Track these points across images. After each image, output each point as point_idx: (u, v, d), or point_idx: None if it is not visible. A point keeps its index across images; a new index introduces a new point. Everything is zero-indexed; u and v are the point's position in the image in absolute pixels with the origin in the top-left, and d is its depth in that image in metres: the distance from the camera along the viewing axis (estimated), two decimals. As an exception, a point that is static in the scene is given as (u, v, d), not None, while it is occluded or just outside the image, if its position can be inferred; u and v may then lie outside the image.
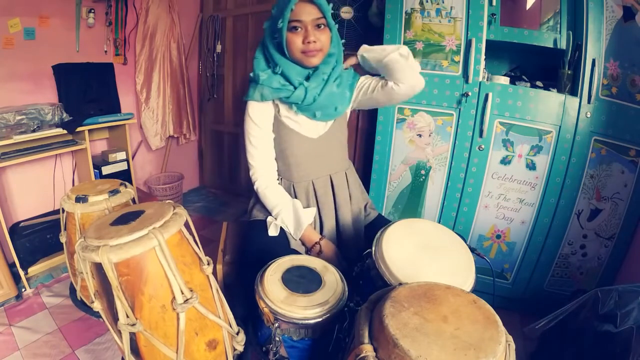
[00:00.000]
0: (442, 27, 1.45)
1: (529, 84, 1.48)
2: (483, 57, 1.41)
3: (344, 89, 1.10)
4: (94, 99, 2.06)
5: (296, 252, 1.03)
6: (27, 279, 1.68)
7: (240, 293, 1.07)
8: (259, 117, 1.08)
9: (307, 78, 1.04)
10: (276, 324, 0.79)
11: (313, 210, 1.13)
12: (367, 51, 1.09)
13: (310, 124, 1.11)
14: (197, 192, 3.02)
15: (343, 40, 1.10)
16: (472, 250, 0.90)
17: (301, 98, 1.03)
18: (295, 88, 1.02)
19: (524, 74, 1.59)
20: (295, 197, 1.15)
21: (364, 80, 1.13)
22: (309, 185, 1.15)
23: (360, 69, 1.15)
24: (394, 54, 1.02)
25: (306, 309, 0.78)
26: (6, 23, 1.71)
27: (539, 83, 1.48)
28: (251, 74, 1.07)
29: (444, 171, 1.55)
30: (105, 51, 2.15)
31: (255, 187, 1.13)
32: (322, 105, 1.06)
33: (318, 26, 0.98)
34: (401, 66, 1.02)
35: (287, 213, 1.09)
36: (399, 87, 1.04)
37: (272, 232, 1.08)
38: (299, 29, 0.98)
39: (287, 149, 1.12)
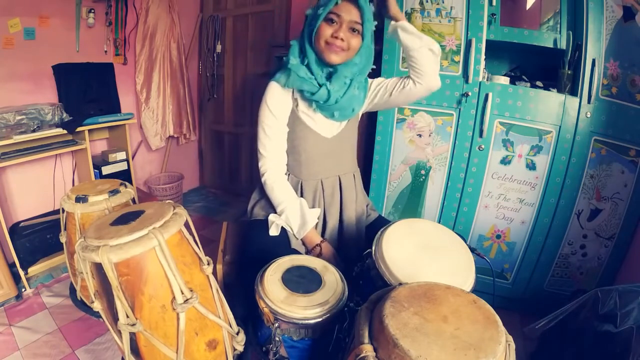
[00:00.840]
0: (442, 27, 1.45)
1: (529, 84, 1.48)
2: (483, 57, 1.41)
3: (361, 91, 1.12)
4: (94, 99, 2.06)
5: (296, 252, 1.03)
6: (27, 279, 1.68)
7: (240, 293, 1.07)
8: (276, 106, 1.08)
9: (328, 77, 1.05)
10: (276, 324, 0.79)
11: (318, 211, 1.13)
12: (403, 30, 1.03)
13: (325, 123, 1.12)
14: (197, 192, 3.02)
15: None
16: (472, 250, 0.90)
17: (324, 98, 1.03)
18: (320, 85, 1.03)
19: (524, 74, 1.59)
20: (302, 195, 1.14)
21: (381, 83, 1.14)
22: (318, 184, 1.15)
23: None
24: (426, 50, 1.02)
25: (306, 309, 0.78)
26: (6, 23, 1.71)
27: (539, 83, 1.48)
28: (284, 58, 1.07)
29: (444, 171, 1.55)
30: (105, 51, 2.15)
31: (262, 179, 1.12)
32: (342, 106, 1.07)
33: (353, 30, 0.99)
34: (429, 62, 1.03)
35: (292, 211, 1.08)
36: (416, 87, 1.06)
37: (273, 231, 1.07)
38: (334, 23, 0.99)
39: (300, 145, 1.12)
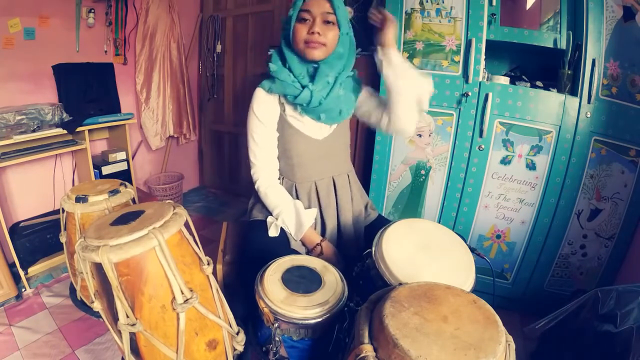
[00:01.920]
0: (442, 27, 1.44)
1: (529, 84, 1.48)
2: (483, 57, 1.41)
3: (349, 92, 1.10)
4: (94, 99, 2.06)
5: (296, 252, 1.03)
6: (27, 279, 1.68)
7: (240, 293, 1.07)
8: (263, 113, 1.08)
9: (311, 77, 1.04)
10: (276, 324, 0.79)
11: (314, 211, 1.13)
12: (389, 65, 0.98)
13: (315, 125, 1.11)
14: (197, 192, 3.02)
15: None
16: (472, 250, 0.90)
17: (307, 100, 1.02)
18: (303, 87, 1.02)
19: (524, 74, 1.59)
20: (297, 198, 1.14)
21: (371, 96, 1.14)
22: (312, 185, 1.15)
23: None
24: (411, 96, 0.99)
25: (306, 309, 0.78)
26: (6, 23, 1.71)
27: (539, 83, 1.48)
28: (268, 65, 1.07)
29: (444, 171, 1.55)
30: (105, 51, 2.15)
31: (256, 186, 1.13)
32: (328, 108, 1.05)
33: (327, 22, 0.98)
34: (409, 111, 1.02)
35: (288, 214, 1.08)
36: (387, 129, 1.08)
37: (273, 232, 1.07)
38: (307, 20, 0.98)
39: (292, 149, 1.11)
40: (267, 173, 1.12)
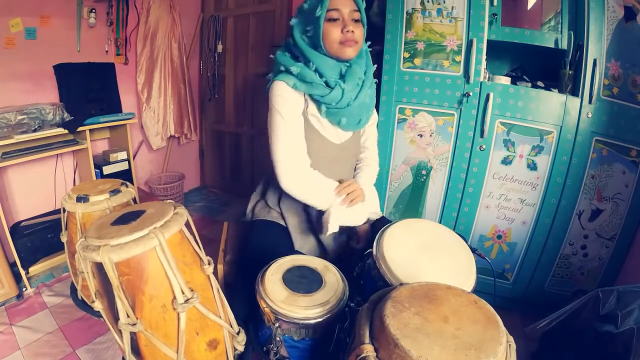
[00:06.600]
0: (443, 27, 1.44)
1: (530, 84, 1.48)
2: (484, 57, 1.41)
3: (371, 104, 1.10)
4: (95, 98, 2.06)
5: (297, 253, 1.03)
6: (28, 279, 1.69)
7: (241, 293, 1.07)
8: (288, 96, 1.00)
9: (341, 76, 1.01)
10: (277, 324, 0.79)
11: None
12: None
13: (332, 129, 1.09)
14: (198, 192, 3.02)
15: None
16: (473, 250, 0.90)
17: (337, 99, 0.99)
18: (332, 88, 0.99)
19: (525, 74, 1.59)
20: None
21: (373, 129, 1.23)
22: None
23: None
24: None
25: (307, 309, 0.78)
26: (7, 23, 1.71)
27: (540, 83, 1.48)
28: (280, 68, 1.02)
29: (445, 171, 1.55)
30: (107, 51, 2.16)
31: (283, 181, 1.02)
32: (351, 113, 1.04)
33: (354, 20, 0.98)
34: None
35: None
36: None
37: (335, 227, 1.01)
38: (337, 20, 0.96)
39: (307, 148, 1.08)
40: (297, 157, 1.01)
